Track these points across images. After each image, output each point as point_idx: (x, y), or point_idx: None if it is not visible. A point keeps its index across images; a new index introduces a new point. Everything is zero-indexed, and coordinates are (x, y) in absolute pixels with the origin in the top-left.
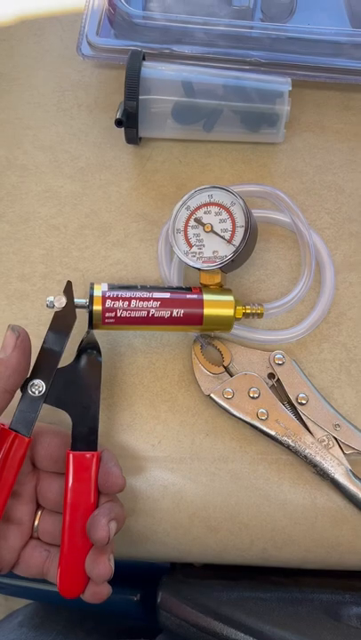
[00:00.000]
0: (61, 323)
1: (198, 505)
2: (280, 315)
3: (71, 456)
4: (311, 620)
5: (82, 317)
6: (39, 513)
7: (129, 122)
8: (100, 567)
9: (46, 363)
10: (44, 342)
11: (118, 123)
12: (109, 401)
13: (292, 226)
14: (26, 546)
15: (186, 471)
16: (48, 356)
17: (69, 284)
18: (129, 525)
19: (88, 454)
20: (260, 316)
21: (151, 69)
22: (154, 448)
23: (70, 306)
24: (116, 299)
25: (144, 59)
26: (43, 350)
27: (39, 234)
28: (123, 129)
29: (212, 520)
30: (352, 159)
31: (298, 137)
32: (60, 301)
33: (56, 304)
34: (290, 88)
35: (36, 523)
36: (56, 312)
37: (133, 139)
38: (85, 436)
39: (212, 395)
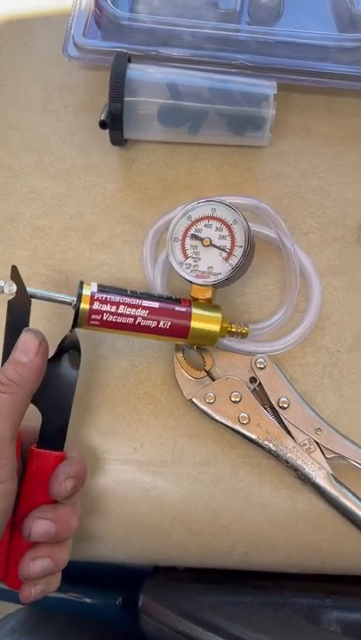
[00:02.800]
0: (18, 312)
1: (180, 509)
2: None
3: (33, 453)
4: (291, 624)
5: (62, 314)
6: None
7: (113, 124)
8: (33, 566)
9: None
10: (5, 333)
11: (102, 124)
12: (91, 403)
13: (279, 243)
14: None
15: (167, 474)
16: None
17: (14, 268)
18: (110, 528)
19: (51, 454)
20: (244, 336)
21: (137, 71)
22: (135, 451)
23: (23, 292)
24: (105, 302)
25: (130, 60)
26: (9, 342)
27: (23, 235)
28: (108, 131)
29: (193, 524)
30: (337, 163)
31: (283, 140)
32: (11, 287)
33: (5, 290)
34: (275, 91)
35: None
36: (9, 301)
37: (118, 140)
38: (53, 436)
39: (193, 399)
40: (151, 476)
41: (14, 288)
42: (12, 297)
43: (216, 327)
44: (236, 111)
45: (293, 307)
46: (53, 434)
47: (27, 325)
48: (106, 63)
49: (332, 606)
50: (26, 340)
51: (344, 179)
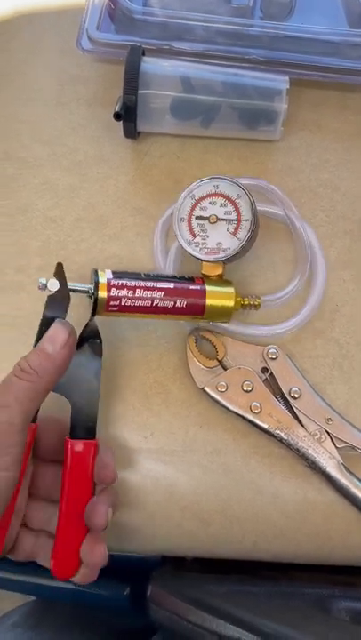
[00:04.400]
0: (56, 307)
1: (190, 498)
2: (274, 309)
3: (70, 444)
4: (301, 612)
5: (78, 303)
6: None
7: (127, 116)
8: (97, 554)
9: None
10: (41, 327)
11: (117, 116)
12: (103, 392)
13: (286, 219)
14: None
15: (178, 464)
16: None
17: (60, 265)
18: (120, 518)
19: (87, 443)
20: (256, 307)
21: (150, 64)
22: (147, 440)
23: (64, 288)
24: (122, 287)
25: (143, 54)
26: (41, 336)
27: (36, 226)
28: (121, 123)
29: (203, 513)
30: (348, 158)
31: (295, 135)
32: (53, 284)
33: (49, 286)
34: (288, 86)
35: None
36: (49, 296)
37: (132, 133)
38: (84, 424)
39: (205, 388)
40: (162, 465)
41: (57, 286)
42: (53, 293)
43: (230, 302)
44: (249, 105)
45: (306, 277)
46: (84, 422)
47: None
48: (119, 56)
49: (342, 596)
50: (56, 331)
51: (354, 174)
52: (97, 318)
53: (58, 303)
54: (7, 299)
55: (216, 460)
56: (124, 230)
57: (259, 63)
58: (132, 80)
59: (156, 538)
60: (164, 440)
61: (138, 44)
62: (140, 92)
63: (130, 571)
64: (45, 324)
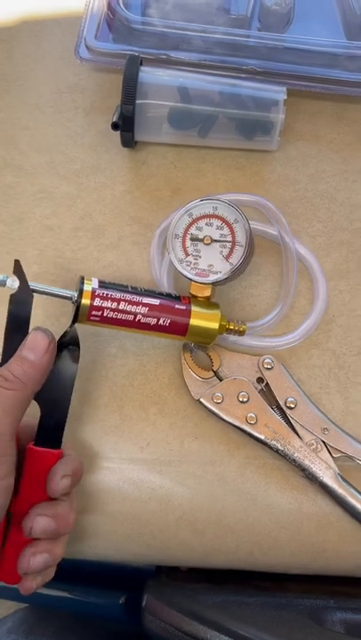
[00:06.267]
0: (20, 306)
1: (185, 508)
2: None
3: (32, 452)
4: (296, 624)
5: (60, 309)
6: None
7: (125, 125)
8: (37, 561)
9: (13, 350)
10: (8, 324)
11: (115, 126)
12: (98, 402)
13: (279, 239)
14: None
15: (173, 474)
16: (14, 343)
17: (17, 262)
18: (114, 528)
19: (49, 453)
20: (241, 333)
21: (148, 74)
22: (142, 450)
23: (24, 286)
24: (106, 298)
25: (141, 64)
26: (9, 337)
27: (33, 234)
28: (119, 132)
29: (198, 523)
30: (345, 169)
31: (292, 145)
32: (14, 282)
33: (8, 284)
34: (285, 97)
35: None
36: (11, 294)
37: (129, 142)
38: (51, 432)
39: (201, 399)
40: (157, 476)
41: (17, 283)
42: (14, 291)
43: (215, 325)
44: (246, 115)
45: (290, 303)
46: (51, 430)
47: (28, 320)
48: (117, 66)
49: (336, 607)
50: (36, 338)
51: (351, 184)
52: (92, 328)
53: (21, 302)
54: (4, 306)
55: (211, 470)
56: (120, 239)
57: (256, 74)
58: (130, 90)
59: (150, 548)
60: (159, 450)
61: (136, 54)
62: (137, 101)
63: (124, 579)
64: (11, 322)
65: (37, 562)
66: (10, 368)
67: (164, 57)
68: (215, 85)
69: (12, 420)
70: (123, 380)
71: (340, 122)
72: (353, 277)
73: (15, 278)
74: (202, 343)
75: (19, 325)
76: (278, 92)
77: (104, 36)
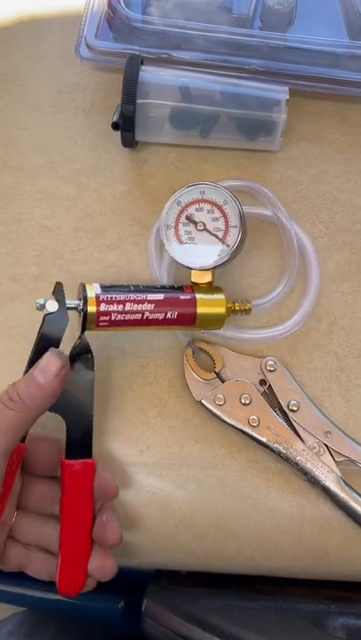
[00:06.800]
0: (53, 327)
1: (185, 512)
2: (269, 314)
3: (66, 465)
4: (297, 629)
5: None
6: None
7: (126, 125)
8: (108, 569)
9: None
10: (36, 345)
11: (115, 126)
12: (98, 405)
13: (274, 219)
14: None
15: (174, 478)
16: None
17: (59, 285)
18: None
19: (83, 463)
20: (247, 312)
21: (149, 73)
22: (142, 454)
23: (62, 309)
24: (111, 302)
25: (142, 63)
26: (36, 357)
27: (32, 235)
28: (119, 132)
29: (198, 527)
30: (347, 169)
31: (294, 146)
32: (52, 305)
33: (48, 307)
34: (287, 96)
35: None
36: (46, 315)
37: (130, 142)
38: (80, 442)
39: (203, 401)
40: (157, 479)
41: (55, 307)
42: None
43: (221, 309)
44: (248, 115)
45: (294, 279)
46: (80, 441)
47: (59, 343)
48: (117, 65)
49: (338, 612)
50: (49, 361)
51: (354, 185)
52: (91, 331)
53: (55, 325)
54: (2, 308)
55: (212, 474)
56: (121, 240)
57: (258, 73)
58: (131, 89)
59: (151, 552)
60: (159, 454)
61: (137, 53)
62: (138, 101)
63: (124, 583)
64: (42, 343)
65: (115, 564)
66: (17, 387)
67: (166, 56)
68: (217, 85)
69: (6, 439)
70: (122, 382)
71: (343, 122)
72: (355, 279)
73: (54, 302)
74: (211, 329)
75: (49, 345)
76: (280, 92)
77: (104, 35)
